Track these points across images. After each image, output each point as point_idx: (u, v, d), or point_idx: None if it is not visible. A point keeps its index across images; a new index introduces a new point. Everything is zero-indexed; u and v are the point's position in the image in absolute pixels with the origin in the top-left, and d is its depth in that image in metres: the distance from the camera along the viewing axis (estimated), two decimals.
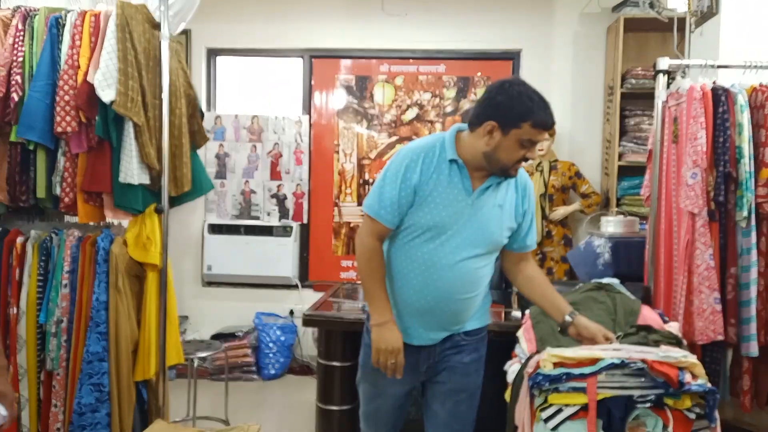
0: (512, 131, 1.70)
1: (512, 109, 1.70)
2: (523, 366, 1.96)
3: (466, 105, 4.60)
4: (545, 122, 1.71)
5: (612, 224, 3.42)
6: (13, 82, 2.47)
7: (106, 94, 2.39)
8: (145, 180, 2.54)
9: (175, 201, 2.71)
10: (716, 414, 1.81)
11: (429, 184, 1.79)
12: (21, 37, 2.51)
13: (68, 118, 2.43)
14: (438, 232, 1.81)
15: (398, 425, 2.06)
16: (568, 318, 1.90)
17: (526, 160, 1.77)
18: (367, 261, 1.86)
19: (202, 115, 2.80)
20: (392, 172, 1.82)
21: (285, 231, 4.54)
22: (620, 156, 4.15)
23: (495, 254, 1.93)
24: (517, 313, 2.71)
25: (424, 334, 1.91)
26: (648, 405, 1.80)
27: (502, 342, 2.43)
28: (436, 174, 1.80)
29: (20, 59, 2.50)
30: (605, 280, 2.39)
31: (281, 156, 4.64)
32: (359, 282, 2.21)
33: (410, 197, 1.80)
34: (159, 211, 2.57)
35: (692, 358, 1.85)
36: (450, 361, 1.93)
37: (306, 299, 4.51)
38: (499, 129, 1.72)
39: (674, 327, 2.13)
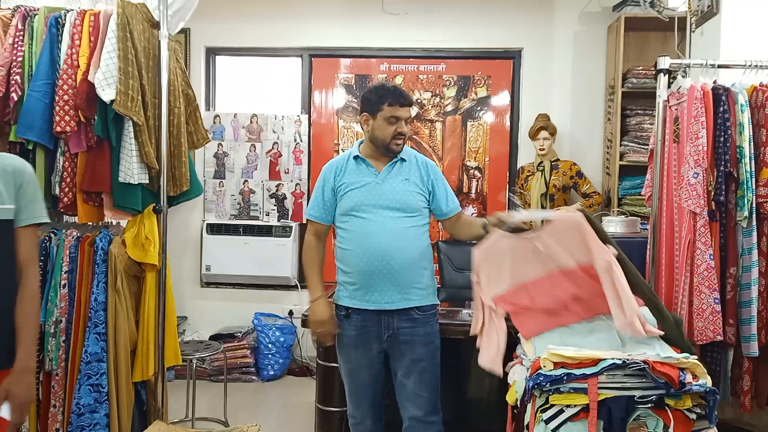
0: (378, 114, 2.27)
1: (373, 99, 2.28)
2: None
3: (466, 104, 4.60)
4: (399, 99, 2.25)
5: (613, 224, 3.42)
6: (13, 82, 2.46)
7: (107, 93, 2.39)
8: (145, 180, 2.54)
9: (171, 201, 2.70)
10: (715, 414, 1.81)
11: (342, 180, 2.34)
12: (21, 37, 2.51)
13: (67, 118, 2.43)
14: (360, 207, 2.29)
15: (377, 400, 2.35)
16: (486, 222, 2.30)
17: (402, 135, 2.27)
18: (305, 253, 2.45)
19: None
20: (317, 184, 2.41)
21: (284, 231, 4.53)
22: (621, 155, 4.14)
23: (420, 218, 2.32)
24: None
25: (380, 298, 2.26)
26: (649, 405, 1.79)
27: None
28: (345, 172, 2.35)
29: (20, 59, 2.49)
30: None
31: (280, 155, 4.63)
32: None
33: (330, 194, 2.36)
34: (157, 211, 2.57)
35: (693, 359, 1.85)
36: (407, 334, 2.27)
37: (305, 300, 4.48)
38: (370, 117, 2.30)
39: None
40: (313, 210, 2.40)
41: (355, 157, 2.37)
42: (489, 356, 2.15)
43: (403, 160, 2.36)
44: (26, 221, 1.83)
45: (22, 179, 1.81)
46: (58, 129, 2.42)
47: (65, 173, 2.51)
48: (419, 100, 4.62)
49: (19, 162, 1.84)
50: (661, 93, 2.64)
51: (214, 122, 4.66)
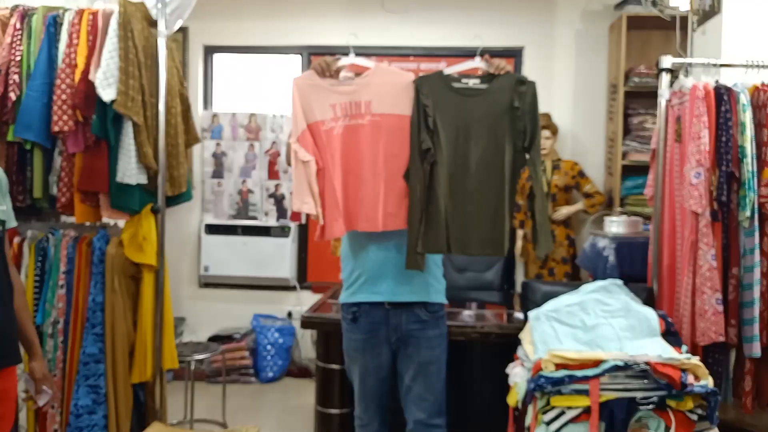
0: None
1: None
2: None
3: None
4: None
5: (616, 224, 3.41)
6: (11, 81, 2.45)
7: (107, 93, 2.38)
8: (143, 180, 2.52)
9: (169, 201, 2.68)
10: (716, 415, 1.80)
11: None
12: (19, 36, 2.50)
13: (65, 117, 2.41)
14: None
15: (382, 403, 2.31)
16: None
17: None
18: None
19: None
20: None
21: (283, 231, 4.52)
22: (624, 155, 4.12)
23: None
24: (519, 315, 2.69)
25: (388, 289, 2.19)
26: (650, 407, 1.78)
27: (504, 344, 2.41)
28: None
29: (18, 58, 2.48)
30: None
31: (279, 155, 4.61)
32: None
33: None
34: (155, 212, 2.55)
35: (695, 360, 1.84)
36: (416, 335, 2.21)
37: (304, 301, 4.49)
38: None
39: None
40: None
41: None
42: (306, 203, 2.19)
43: None
44: (10, 224, 1.97)
45: (7, 184, 1.92)
46: (56, 128, 2.41)
47: (63, 173, 2.50)
48: None
49: None
50: (663, 92, 2.63)
51: (212, 121, 4.64)
